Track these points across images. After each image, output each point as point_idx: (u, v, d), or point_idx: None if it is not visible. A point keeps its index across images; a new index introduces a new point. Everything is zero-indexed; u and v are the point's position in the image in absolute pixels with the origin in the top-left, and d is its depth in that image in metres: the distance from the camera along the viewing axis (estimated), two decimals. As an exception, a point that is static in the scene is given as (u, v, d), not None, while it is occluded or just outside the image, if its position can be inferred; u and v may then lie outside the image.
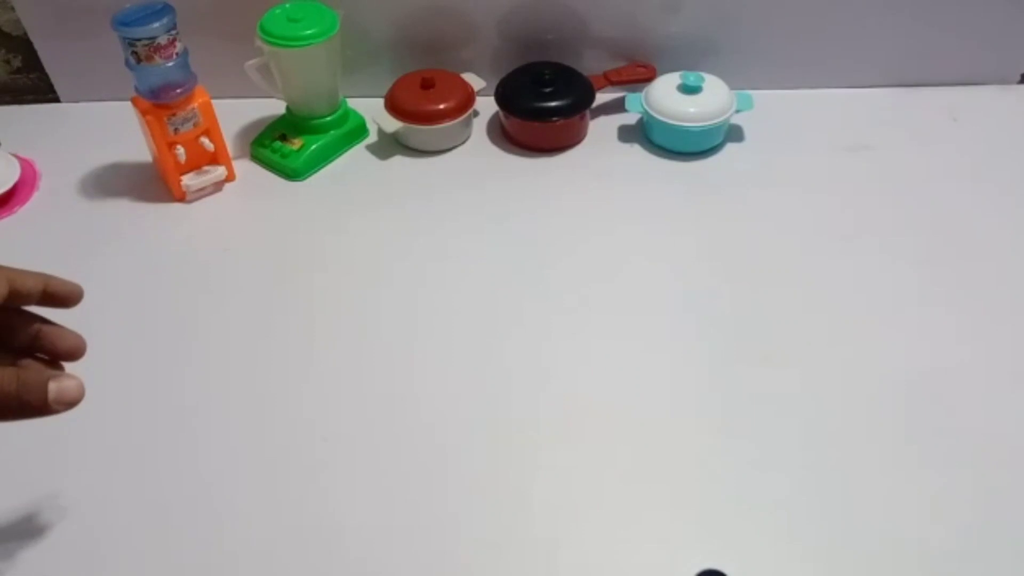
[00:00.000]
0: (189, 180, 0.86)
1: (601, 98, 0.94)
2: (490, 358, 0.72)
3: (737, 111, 0.90)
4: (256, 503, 0.63)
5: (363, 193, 0.89)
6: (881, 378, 0.69)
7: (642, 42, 0.95)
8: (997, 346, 0.72)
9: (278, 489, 0.64)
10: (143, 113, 0.82)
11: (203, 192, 0.88)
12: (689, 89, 0.89)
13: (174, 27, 0.78)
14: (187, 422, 0.69)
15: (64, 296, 0.53)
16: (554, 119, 0.90)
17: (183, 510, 0.63)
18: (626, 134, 0.94)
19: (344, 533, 0.61)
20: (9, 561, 0.60)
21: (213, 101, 0.84)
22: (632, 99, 0.93)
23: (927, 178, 0.87)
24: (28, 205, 0.89)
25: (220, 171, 0.88)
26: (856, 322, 0.74)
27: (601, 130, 0.95)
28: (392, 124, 0.90)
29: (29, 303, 0.52)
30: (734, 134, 0.93)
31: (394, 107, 0.91)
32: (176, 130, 0.83)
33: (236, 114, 0.95)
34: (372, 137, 0.95)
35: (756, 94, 0.92)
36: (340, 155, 0.93)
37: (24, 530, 0.62)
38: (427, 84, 0.91)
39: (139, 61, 0.78)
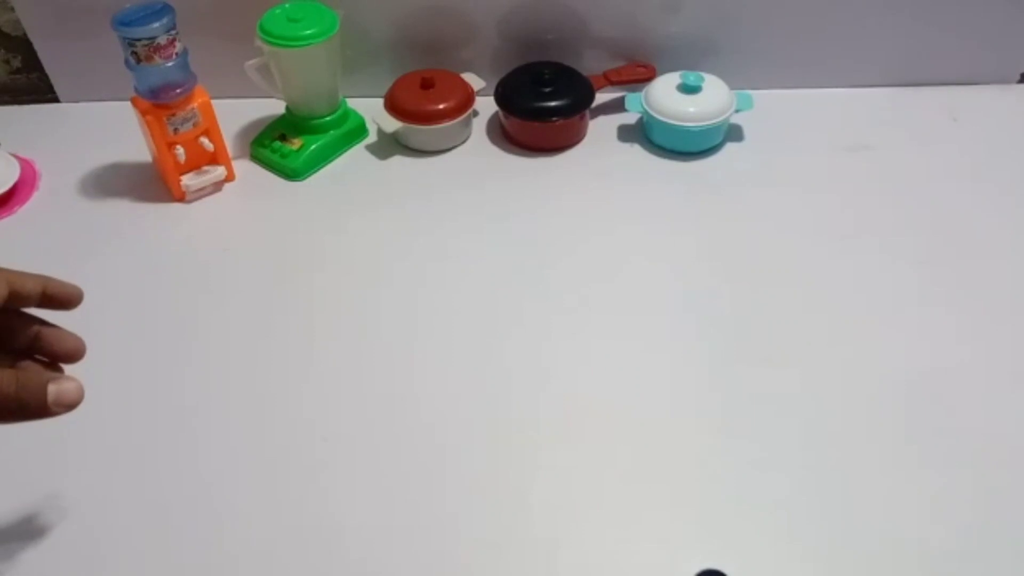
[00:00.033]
0: (189, 180, 0.86)
1: (601, 98, 0.94)
2: (490, 358, 0.72)
3: (737, 111, 0.90)
4: (256, 503, 0.63)
5: (363, 193, 0.89)
6: (881, 378, 0.69)
7: (642, 42, 0.95)
8: (997, 346, 0.72)
9: (278, 489, 0.64)
10: (143, 113, 0.82)
11: (203, 192, 0.88)
12: (689, 89, 0.89)
13: (174, 27, 0.78)
14: (187, 422, 0.69)
15: (64, 298, 0.53)
16: (554, 119, 0.90)
17: (183, 510, 0.63)
18: (626, 134, 0.94)
19: (344, 533, 0.61)
20: (9, 561, 0.60)
21: (213, 101, 0.84)
22: (632, 99, 0.93)
23: (927, 178, 0.87)
24: (28, 205, 0.89)
25: (220, 171, 0.88)
26: (856, 322, 0.74)
27: (601, 130, 0.95)
28: (392, 124, 0.90)
29: (29, 305, 0.52)
30: (734, 134, 0.93)
31: (394, 107, 0.91)
32: (176, 130, 0.83)
33: (236, 114, 0.95)
34: (372, 137, 0.95)
35: (756, 94, 0.92)
36: (340, 155, 0.93)
37: (24, 530, 0.62)
38: (427, 84, 0.91)
39: (139, 61, 0.78)
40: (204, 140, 0.85)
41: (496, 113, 0.95)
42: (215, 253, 0.83)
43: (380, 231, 0.84)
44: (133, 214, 0.87)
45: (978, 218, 0.83)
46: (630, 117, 0.95)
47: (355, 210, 0.87)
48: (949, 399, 0.68)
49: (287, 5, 0.85)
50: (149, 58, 0.78)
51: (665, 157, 0.91)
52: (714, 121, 0.88)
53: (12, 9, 0.92)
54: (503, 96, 0.92)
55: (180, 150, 0.84)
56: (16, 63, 0.98)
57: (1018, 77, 0.98)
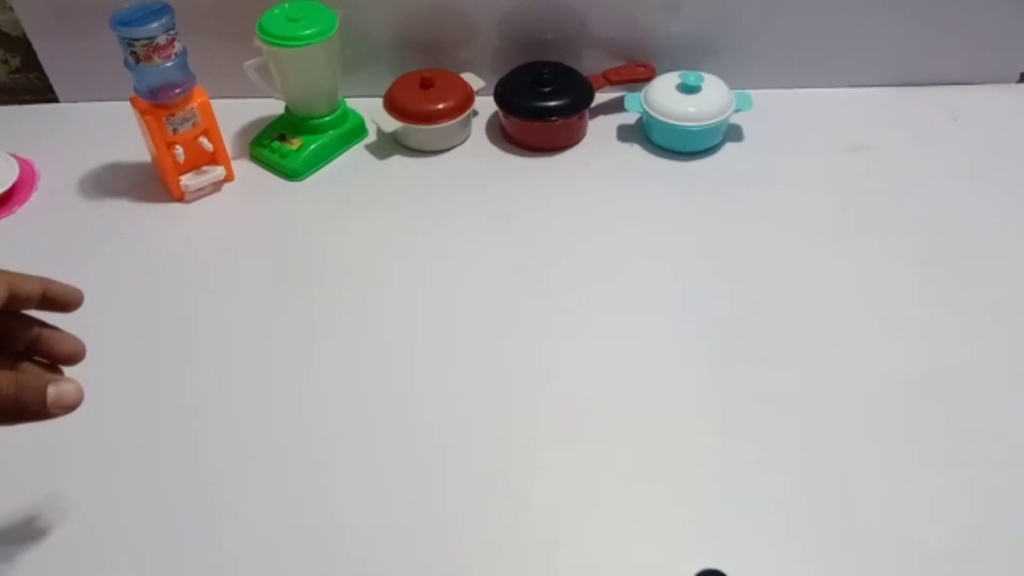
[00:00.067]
0: (188, 180, 0.86)
1: (600, 98, 0.94)
2: (490, 358, 0.72)
3: (736, 111, 0.90)
4: (256, 503, 0.63)
5: (362, 193, 0.89)
6: (881, 378, 0.69)
7: (642, 42, 0.95)
8: (997, 346, 0.72)
9: (278, 489, 0.64)
10: (142, 113, 0.82)
11: (202, 192, 0.88)
12: (688, 89, 0.89)
13: (173, 27, 0.77)
14: (187, 422, 0.69)
15: (64, 300, 0.53)
16: (553, 119, 0.90)
17: (183, 510, 0.63)
18: (625, 134, 0.94)
19: (344, 533, 0.61)
20: (9, 562, 0.60)
21: (212, 101, 0.84)
22: (631, 99, 0.92)
23: (927, 178, 0.87)
24: (27, 205, 0.89)
25: (219, 171, 0.88)
26: (856, 322, 0.74)
27: (600, 130, 0.95)
28: (391, 124, 0.90)
29: (29, 307, 0.52)
30: (733, 134, 0.93)
31: (393, 107, 0.90)
32: (175, 130, 0.83)
33: (235, 114, 0.94)
34: (371, 137, 0.95)
35: (756, 94, 0.92)
36: (339, 155, 0.93)
37: (24, 530, 0.62)
38: (426, 84, 0.91)
39: (138, 61, 0.78)
40: (203, 140, 0.85)
41: (496, 113, 0.95)
42: (215, 253, 0.83)
43: (380, 231, 0.84)
44: (133, 214, 0.87)
45: (978, 218, 0.83)
46: (630, 117, 0.95)
47: (355, 210, 0.87)
48: (949, 399, 0.68)
49: (286, 5, 0.85)
50: (148, 58, 0.78)
51: (665, 157, 0.91)
52: (714, 121, 0.88)
53: (11, 9, 0.92)
54: (503, 96, 0.92)
55: (179, 150, 0.84)
56: (16, 63, 0.98)
57: (1018, 77, 0.98)
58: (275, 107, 0.94)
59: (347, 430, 0.68)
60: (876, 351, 0.71)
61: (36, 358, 0.53)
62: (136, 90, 0.81)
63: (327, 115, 0.91)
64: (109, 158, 0.93)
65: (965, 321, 0.74)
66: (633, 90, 0.94)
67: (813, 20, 0.92)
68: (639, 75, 0.94)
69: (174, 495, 0.64)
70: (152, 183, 0.89)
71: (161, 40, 0.77)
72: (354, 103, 0.95)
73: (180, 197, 0.88)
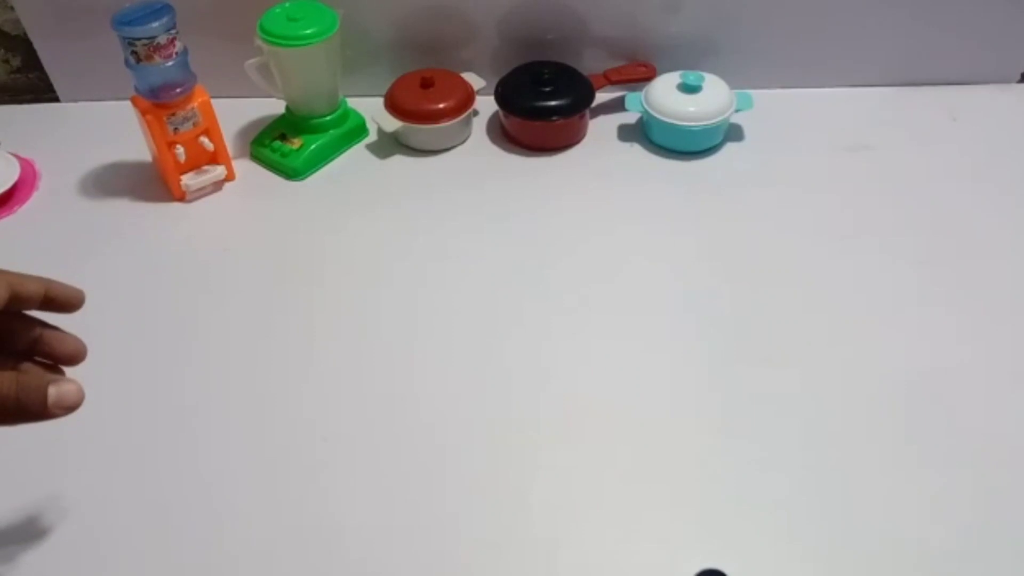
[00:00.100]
0: (189, 180, 0.86)
1: (601, 97, 0.94)
2: (490, 358, 0.72)
3: (737, 110, 0.90)
4: (256, 503, 0.63)
5: (363, 193, 0.89)
6: (881, 378, 0.69)
7: (642, 41, 0.95)
8: (997, 346, 0.72)
9: (278, 489, 0.64)
10: (143, 113, 0.82)
11: (203, 192, 0.88)
12: (689, 88, 0.89)
13: (173, 27, 0.78)
14: (187, 422, 0.69)
15: (65, 301, 0.53)
16: (554, 118, 0.90)
17: (183, 510, 0.63)
18: (626, 133, 0.94)
19: (344, 533, 0.61)
20: (9, 562, 0.60)
21: (213, 100, 0.84)
22: (632, 98, 0.93)
23: (927, 178, 0.87)
24: (28, 205, 0.89)
25: (220, 171, 0.88)
26: (856, 322, 0.74)
27: (601, 129, 0.95)
28: (392, 123, 0.90)
29: (30, 308, 0.52)
30: (734, 133, 0.93)
31: (394, 106, 0.90)
32: (176, 130, 0.83)
33: (236, 114, 0.94)
34: (372, 137, 0.95)
35: (756, 93, 0.92)
36: (340, 155, 0.93)
37: (24, 530, 0.62)
38: (427, 83, 0.91)
39: (139, 61, 0.78)
40: (204, 140, 0.85)
41: (496, 113, 0.95)
42: (215, 253, 0.83)
43: (380, 231, 0.84)
44: (133, 214, 0.87)
45: (978, 218, 0.83)
46: (630, 117, 0.95)
47: (355, 210, 0.87)
48: (949, 399, 0.68)
49: (287, 4, 0.85)
50: (149, 57, 0.78)
51: (665, 157, 0.91)
52: (714, 121, 0.88)
53: (12, 9, 0.92)
54: (503, 95, 0.92)
55: (180, 150, 0.84)
56: (16, 63, 0.98)
57: (1018, 77, 0.98)
58: (276, 107, 0.94)
59: (347, 430, 0.68)
60: (876, 351, 0.71)
61: (37, 358, 0.53)
62: (137, 90, 0.81)
63: (328, 115, 0.91)
64: (110, 158, 0.93)
65: (965, 321, 0.74)
66: (633, 90, 0.94)
67: (813, 20, 0.92)
68: (639, 75, 0.94)
69: (174, 495, 0.64)
70: (153, 183, 0.89)
71: (162, 39, 0.77)
72: (355, 103, 0.95)
73: (181, 197, 0.88)
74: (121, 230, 0.85)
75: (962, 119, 0.94)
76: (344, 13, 0.86)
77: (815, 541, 0.60)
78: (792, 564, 0.59)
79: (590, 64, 0.95)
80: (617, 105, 0.96)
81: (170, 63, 0.79)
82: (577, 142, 0.94)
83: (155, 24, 0.76)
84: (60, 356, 0.54)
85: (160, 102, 0.81)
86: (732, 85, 0.91)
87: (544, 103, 0.90)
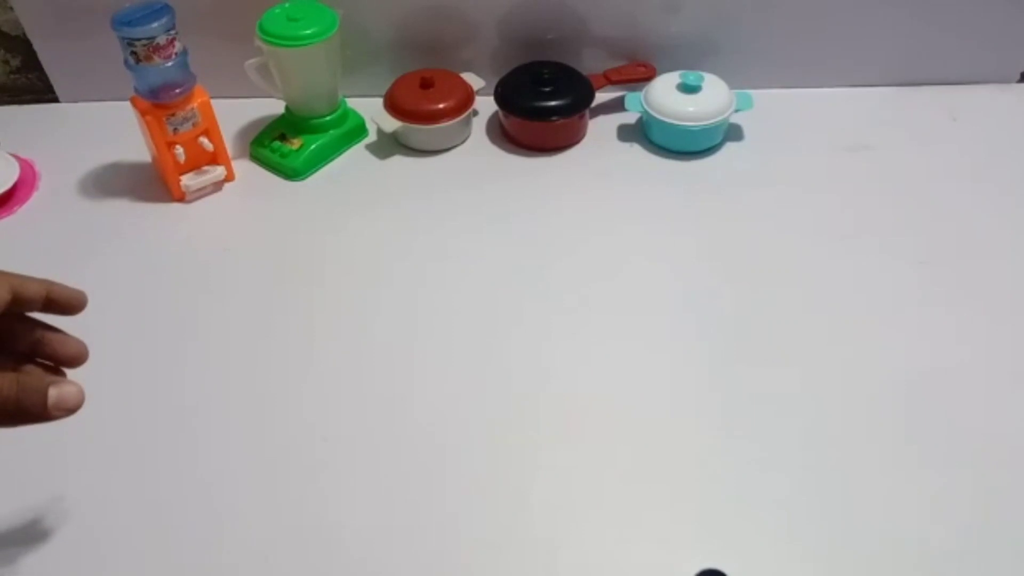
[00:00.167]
0: (188, 180, 0.86)
1: (600, 97, 0.94)
2: (490, 358, 0.72)
3: (737, 110, 0.90)
4: (256, 503, 0.63)
5: (363, 193, 0.89)
6: (881, 378, 0.69)
7: (642, 41, 0.95)
8: (997, 346, 0.72)
9: (278, 489, 0.64)
10: (142, 113, 0.82)
11: (202, 192, 0.88)
12: (689, 88, 0.89)
13: (173, 27, 0.78)
14: (187, 422, 0.69)
15: (67, 303, 0.53)
16: (553, 118, 0.90)
17: (183, 510, 0.63)
18: (625, 133, 0.94)
19: (344, 533, 0.61)
20: (10, 562, 0.60)
21: (212, 101, 0.84)
22: (631, 98, 0.93)
23: (927, 178, 0.87)
24: (27, 205, 0.89)
25: (219, 171, 0.88)
26: (856, 322, 0.74)
27: (600, 129, 0.95)
28: (391, 124, 0.90)
29: (32, 309, 0.52)
30: (734, 133, 0.93)
31: (393, 107, 0.90)
32: (175, 130, 0.83)
33: (235, 114, 0.94)
34: (371, 137, 0.95)
35: (756, 93, 0.92)
36: (339, 155, 0.93)
37: (24, 530, 0.62)
38: (426, 84, 0.91)
39: (138, 61, 0.78)
40: (204, 140, 0.85)
41: (496, 113, 0.95)
42: (215, 253, 0.83)
43: (380, 231, 0.84)
44: (133, 214, 0.87)
45: (978, 218, 0.83)
46: (630, 117, 0.95)
47: (355, 210, 0.87)
48: (949, 399, 0.68)
49: (287, 5, 0.85)
50: (149, 58, 0.78)
51: (665, 157, 0.91)
52: (714, 121, 0.88)
53: (12, 9, 0.92)
54: (503, 96, 0.92)
55: (180, 150, 0.84)
56: (16, 63, 0.98)
57: (1018, 77, 0.98)
58: (275, 107, 0.94)
59: (347, 430, 0.68)
60: (876, 351, 0.71)
61: (39, 360, 0.53)
62: (136, 90, 0.81)
63: (327, 115, 0.91)
64: (109, 158, 0.93)
65: (965, 321, 0.74)
66: (633, 90, 0.94)
67: (813, 20, 0.92)
68: (639, 75, 0.94)
69: (174, 495, 0.64)
70: (152, 183, 0.89)
71: (161, 40, 0.77)
72: (354, 103, 0.95)
73: (180, 197, 0.88)
74: (121, 230, 0.85)
75: (962, 119, 0.94)
76: (344, 13, 0.86)
77: (815, 541, 0.60)
78: (792, 564, 0.59)
79: (590, 64, 0.95)
80: (617, 105, 0.96)
81: (170, 63, 0.79)
82: (577, 142, 0.94)
83: (155, 24, 0.76)
84: (62, 358, 0.54)
85: (160, 102, 0.81)
86: (732, 85, 0.91)
87: (544, 103, 0.90)
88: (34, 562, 0.60)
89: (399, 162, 0.92)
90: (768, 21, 0.92)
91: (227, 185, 0.90)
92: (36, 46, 0.96)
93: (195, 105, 0.83)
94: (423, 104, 0.90)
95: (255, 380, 0.71)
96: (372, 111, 0.92)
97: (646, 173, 0.89)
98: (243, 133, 0.95)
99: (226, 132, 0.88)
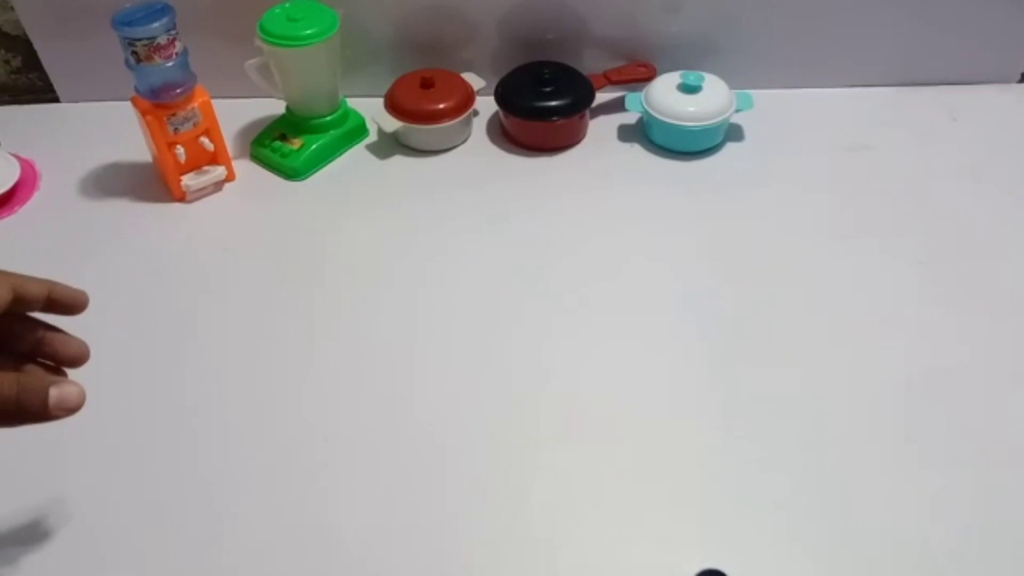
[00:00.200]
0: (189, 180, 0.86)
1: (601, 97, 0.94)
2: (490, 358, 0.72)
3: (737, 111, 0.90)
4: (256, 503, 0.63)
5: (363, 193, 0.89)
6: (881, 378, 0.69)
7: (642, 41, 0.95)
8: (997, 346, 0.72)
9: (278, 490, 0.64)
10: (143, 113, 0.82)
11: (203, 192, 0.88)
12: (689, 88, 0.89)
13: (174, 27, 0.78)
14: (187, 422, 0.69)
15: (68, 303, 0.53)
16: (554, 119, 0.90)
17: (183, 510, 0.63)
18: (626, 134, 0.94)
19: (344, 533, 0.61)
20: (10, 563, 0.60)
21: (213, 101, 0.84)
22: (632, 98, 0.93)
23: (927, 178, 0.87)
24: (28, 205, 0.89)
25: (220, 171, 0.88)
26: (856, 322, 0.74)
27: (601, 130, 0.95)
28: (392, 124, 0.90)
29: (33, 309, 0.52)
30: (734, 134, 0.93)
31: (394, 107, 0.91)
32: (176, 130, 0.83)
33: (236, 114, 0.94)
34: (372, 137, 0.95)
35: (756, 94, 0.92)
36: (340, 155, 0.93)
37: (24, 530, 0.62)
38: (427, 84, 0.91)
39: (139, 61, 0.78)
40: (204, 140, 0.85)
41: (496, 113, 0.95)
42: (215, 253, 0.83)
43: (380, 231, 0.84)
44: (133, 214, 0.87)
45: (978, 218, 0.83)
46: (630, 117, 0.95)
47: (355, 210, 0.87)
48: (949, 399, 0.68)
49: (287, 5, 0.85)
50: (149, 58, 0.78)
51: (665, 157, 0.91)
52: (714, 121, 0.88)
53: (12, 9, 0.92)
54: (503, 96, 0.92)
55: (180, 150, 0.84)
56: (16, 63, 0.98)
57: (1018, 77, 0.98)
58: (276, 107, 0.94)
59: (347, 430, 0.68)
60: (876, 351, 0.71)
61: (40, 360, 0.53)
62: (137, 90, 0.82)
63: (328, 115, 0.91)
64: (110, 158, 0.93)
65: (965, 321, 0.74)
66: (634, 90, 0.94)
67: (813, 20, 0.92)
68: (640, 75, 0.94)
69: (174, 495, 0.64)
70: (153, 183, 0.89)
71: (162, 40, 0.77)
72: (355, 103, 0.95)
73: (181, 197, 0.88)
74: (121, 230, 0.85)
75: (962, 119, 0.94)
76: (344, 13, 0.86)
77: (815, 541, 0.60)
78: (792, 564, 0.59)
79: (590, 64, 0.95)
80: (617, 105, 0.96)
81: (170, 63, 0.79)
82: (577, 142, 0.94)
83: (155, 24, 0.76)
84: (63, 358, 0.54)
85: (160, 102, 0.81)
86: (732, 85, 0.91)
87: (544, 103, 0.90)
88: (34, 562, 0.60)
89: (399, 162, 0.92)
90: (768, 21, 0.92)
91: (227, 185, 0.90)
92: (37, 46, 0.96)
93: (196, 105, 0.83)
94: (423, 104, 0.90)
95: (255, 380, 0.71)
96: (373, 111, 0.92)
97: (646, 173, 0.89)
98: (243, 133, 0.95)
99: (226, 132, 0.88)
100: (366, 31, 0.94)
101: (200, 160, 0.87)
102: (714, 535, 0.60)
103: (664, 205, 0.85)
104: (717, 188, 0.87)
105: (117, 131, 0.90)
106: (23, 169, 0.90)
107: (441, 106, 0.90)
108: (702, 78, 0.90)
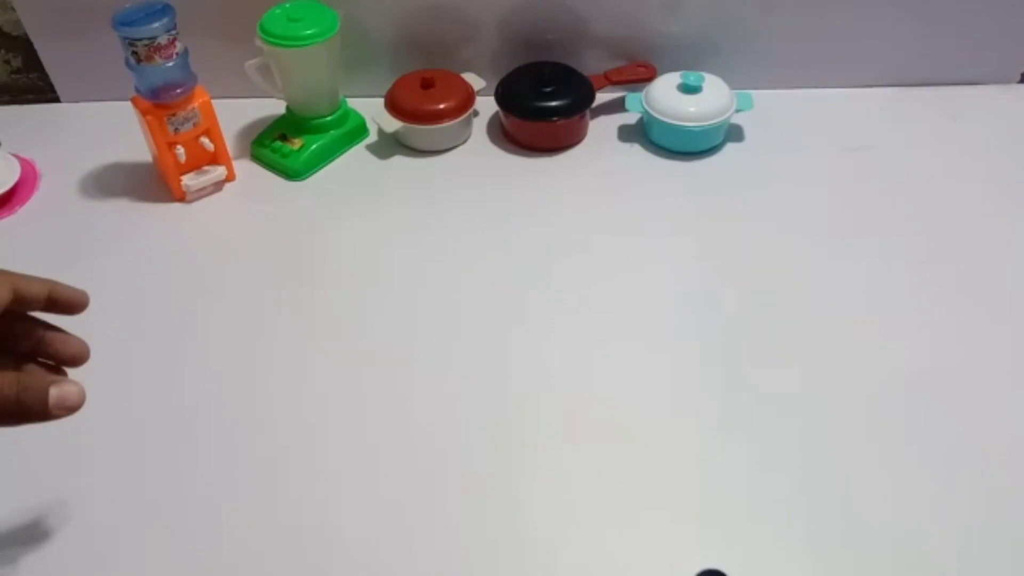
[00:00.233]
0: (189, 180, 0.86)
1: (601, 98, 0.94)
2: (490, 358, 0.72)
3: (737, 111, 0.90)
4: (256, 504, 0.63)
5: (363, 193, 0.89)
6: (881, 378, 0.69)
7: (642, 42, 0.95)
8: (997, 346, 0.72)
9: (278, 489, 0.64)
10: (143, 113, 0.82)
11: (203, 192, 0.88)
12: (689, 89, 0.89)
13: (174, 27, 0.78)
14: (187, 422, 0.69)
15: (69, 302, 0.53)
16: (554, 119, 0.90)
17: (183, 510, 0.63)
18: (626, 134, 0.94)
19: (344, 533, 0.61)
20: (10, 563, 0.60)
21: (213, 101, 0.84)
22: (632, 99, 0.93)
23: (927, 178, 0.87)
24: (28, 205, 0.89)
25: (220, 171, 0.88)
26: (856, 322, 0.74)
27: (601, 130, 0.95)
28: (392, 124, 0.90)
29: (34, 309, 0.52)
30: (734, 134, 0.93)
31: (394, 107, 0.91)
32: (176, 130, 0.83)
33: (236, 114, 0.95)
34: (372, 137, 0.95)
35: (756, 94, 0.92)
36: (340, 155, 0.93)
37: (24, 530, 0.62)
38: (427, 84, 0.91)
39: (139, 61, 0.78)
40: (204, 140, 0.85)
41: (496, 113, 0.95)
42: (215, 253, 0.83)
43: (380, 231, 0.84)
44: (133, 214, 0.87)
45: (978, 218, 0.83)
46: (630, 117, 0.95)
47: (355, 210, 0.87)
48: (949, 399, 0.68)
49: (287, 5, 0.85)
50: (149, 58, 0.78)
51: (665, 157, 0.91)
52: (714, 121, 0.88)
53: (12, 9, 0.92)
54: (503, 96, 0.92)
55: (180, 150, 0.84)
56: (16, 63, 0.98)
57: (1018, 77, 0.98)
58: (276, 107, 0.94)
59: (347, 430, 0.68)
60: (876, 351, 0.71)
61: (40, 360, 0.53)
62: (137, 90, 0.82)
63: (328, 115, 0.91)
64: (110, 158, 0.93)
65: (965, 321, 0.74)
66: (634, 90, 0.94)
67: (813, 20, 0.92)
68: (640, 75, 0.94)
69: (174, 495, 0.64)
70: (153, 183, 0.89)
71: (162, 40, 0.77)
72: (355, 103, 0.95)
73: (181, 197, 0.88)
74: (121, 230, 0.85)
75: (962, 119, 0.94)
76: (344, 13, 0.86)
77: (815, 541, 0.60)
78: (792, 564, 0.59)
79: (590, 64, 0.95)
80: (617, 105, 0.96)
81: (170, 64, 0.79)
82: (577, 142, 0.94)
83: (155, 25, 0.76)
84: (63, 358, 0.54)
85: (160, 102, 0.81)
86: (732, 85, 0.91)
87: (544, 103, 0.90)
88: (34, 562, 0.60)
89: (400, 162, 0.92)
90: (768, 21, 0.92)
91: (228, 185, 0.90)
92: (37, 46, 0.96)
93: (196, 105, 0.83)
94: (424, 104, 0.90)
95: (255, 380, 0.71)
96: (373, 111, 0.92)
97: (647, 173, 0.89)
98: (244, 133, 0.95)
99: (227, 132, 0.88)
100: (366, 31, 0.94)
101: (200, 160, 0.87)
102: (714, 535, 0.60)
103: (664, 205, 0.85)
104: (717, 188, 0.87)
105: (117, 131, 0.90)
106: (23, 169, 0.90)
107: (441, 106, 0.90)
108: (702, 78, 0.90)
